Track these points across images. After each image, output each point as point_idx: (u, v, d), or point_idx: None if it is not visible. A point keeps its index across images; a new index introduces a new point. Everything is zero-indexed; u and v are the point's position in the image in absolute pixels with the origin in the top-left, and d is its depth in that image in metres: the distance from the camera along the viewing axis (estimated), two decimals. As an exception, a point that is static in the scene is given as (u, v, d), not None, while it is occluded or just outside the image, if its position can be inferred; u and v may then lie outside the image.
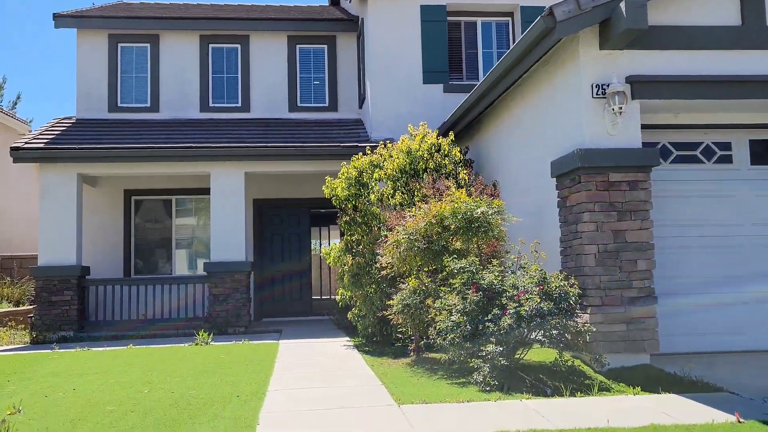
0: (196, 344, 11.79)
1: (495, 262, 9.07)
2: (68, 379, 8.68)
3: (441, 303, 8.25)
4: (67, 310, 14.17)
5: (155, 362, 9.84)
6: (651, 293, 8.26)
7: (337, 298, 11.97)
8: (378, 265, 9.98)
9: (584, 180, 8.35)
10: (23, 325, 15.71)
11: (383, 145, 12.20)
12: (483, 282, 8.06)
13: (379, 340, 11.42)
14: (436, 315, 8.21)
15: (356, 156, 11.97)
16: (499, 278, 8.12)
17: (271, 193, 16.80)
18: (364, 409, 6.58)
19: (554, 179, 9.16)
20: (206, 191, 14.98)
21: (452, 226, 9.08)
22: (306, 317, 16.58)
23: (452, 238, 9.42)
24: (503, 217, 9.19)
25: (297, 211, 17.00)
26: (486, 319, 7.72)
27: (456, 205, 9.18)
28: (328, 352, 10.72)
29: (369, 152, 12.20)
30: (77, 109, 16.69)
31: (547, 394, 7.18)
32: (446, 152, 11.75)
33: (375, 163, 11.91)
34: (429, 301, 8.70)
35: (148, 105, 16.83)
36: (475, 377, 7.51)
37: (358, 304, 11.41)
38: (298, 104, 17.22)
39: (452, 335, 7.84)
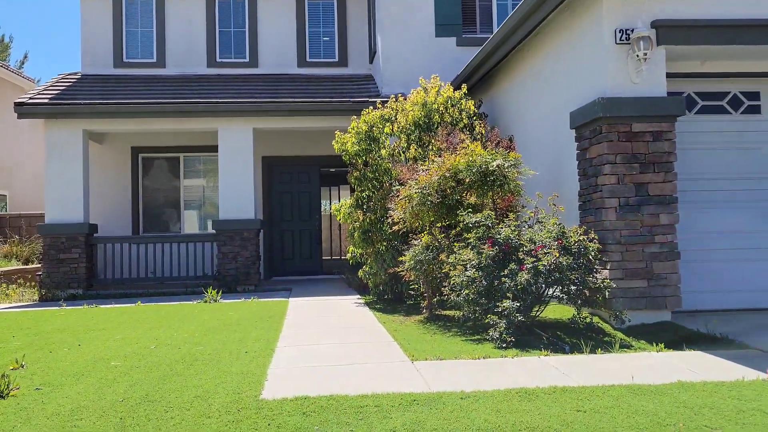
0: (205, 301, 11.57)
1: (511, 216, 8.73)
2: (74, 335, 8.47)
3: (455, 258, 7.94)
4: (75, 267, 13.98)
5: (162, 319, 9.62)
6: (674, 248, 7.92)
7: (348, 256, 11.70)
8: (390, 220, 9.66)
9: (605, 131, 7.96)
10: (32, 283, 15.56)
11: (395, 99, 11.80)
12: (499, 236, 7.74)
13: (391, 298, 11.17)
14: (450, 270, 7.91)
15: (366, 110, 11.59)
16: (516, 233, 7.80)
17: (281, 151, 16.46)
18: (376, 365, 6.32)
19: (573, 131, 8.77)
20: (215, 149, 14.66)
21: (467, 180, 8.74)
22: (316, 276, 16.36)
23: (466, 193, 9.08)
24: (519, 171, 8.83)
25: (307, 169, 16.67)
26: (502, 274, 7.42)
27: (471, 158, 8.82)
28: (339, 309, 10.47)
29: (380, 106, 11.81)
30: (82, 64, 16.32)
31: (565, 351, 6.90)
32: (461, 106, 11.35)
33: (386, 118, 11.54)
34: (443, 257, 8.40)
35: (154, 60, 16.43)
36: (491, 334, 7.23)
37: (368, 261, 11.14)
38: (308, 59, 16.79)
39: (467, 291, 7.55)
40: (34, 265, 16.57)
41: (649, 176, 7.98)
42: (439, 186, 8.95)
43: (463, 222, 8.84)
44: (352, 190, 11.67)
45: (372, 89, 15.29)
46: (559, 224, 7.77)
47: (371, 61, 16.73)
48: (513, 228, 7.88)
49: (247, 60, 16.66)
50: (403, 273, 9.48)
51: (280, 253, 16.49)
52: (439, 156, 9.71)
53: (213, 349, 7.20)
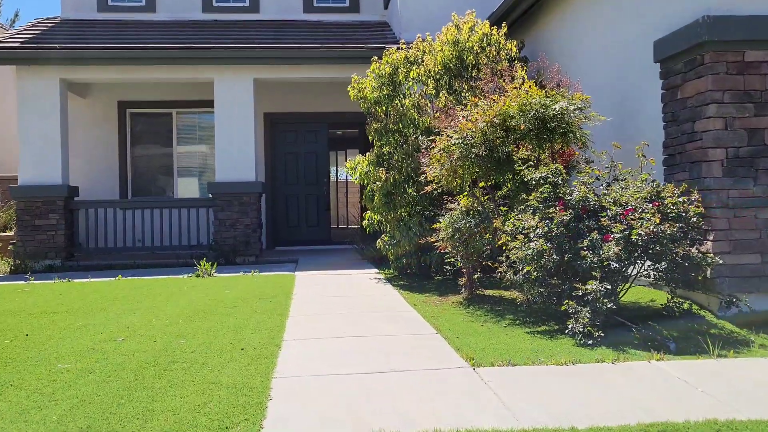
0: (197, 275, 9.67)
1: (583, 172, 6.79)
2: (26, 319, 6.58)
3: (512, 225, 6.02)
4: (53, 235, 12.06)
5: (143, 298, 7.73)
6: (795, 213, 6.01)
7: (364, 223, 9.78)
8: (421, 178, 7.70)
9: (710, 60, 5.99)
10: (7, 253, 13.64)
11: (420, 39, 9.79)
12: (571, 197, 5.81)
13: (416, 273, 9.28)
14: (508, 241, 5.98)
15: (389, 49, 9.58)
16: (591, 192, 5.87)
17: (285, 107, 14.45)
18: (424, 374, 4.43)
19: (658, 64, 6.79)
20: (212, 104, 12.63)
21: (521, 127, 6.78)
22: (325, 246, 14.45)
23: (518, 144, 7.13)
24: (587, 116, 6.86)
25: (314, 127, 14.67)
26: (580, 246, 5.50)
27: (525, 100, 6.86)
28: (356, 286, 8.57)
29: (403, 46, 9.79)
30: (62, 8, 14.25)
31: (670, 350, 5.02)
32: (500, 46, 9.35)
33: (411, 60, 9.54)
34: (497, 223, 6.48)
35: (143, 3, 14.35)
36: (571, 326, 5.32)
37: (389, 229, 9.23)
38: (315, 4, 14.71)
39: (530, 267, 5.64)
40: (10, 233, 14.64)
41: (765, 121, 6.03)
42: (484, 135, 6.98)
43: (517, 180, 6.95)
44: (371, 145, 9.71)
45: (388, 36, 13.25)
46: (653, 181, 5.83)
47: (386, 6, 14.67)
48: (588, 187, 5.95)
49: (247, 4, 14.58)
50: (434, 243, 7.56)
51: (285, 220, 14.56)
52: (484, 99, 7.70)
53: (199, 343, 5.32)
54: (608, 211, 5.71)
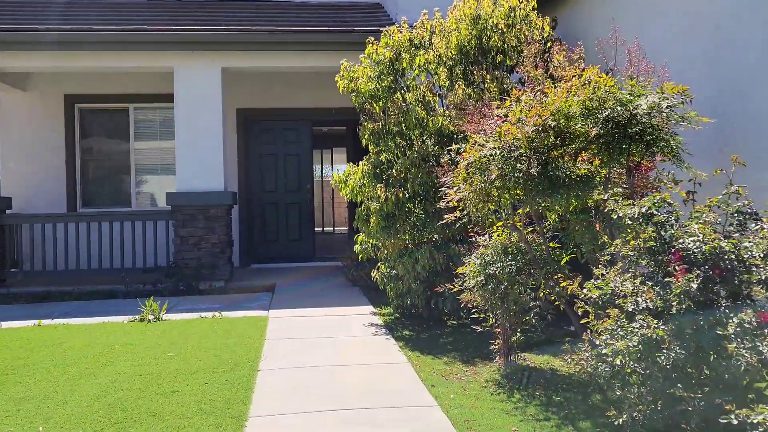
0: (141, 319, 7.35)
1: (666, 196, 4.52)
2: None
3: (598, 290, 3.76)
4: (-22, 257, 9.72)
5: (50, 368, 5.42)
6: None
7: (356, 248, 7.51)
8: (441, 204, 5.42)
9: None
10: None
11: (427, 17, 7.50)
12: (691, 247, 3.57)
13: (424, 316, 7.04)
14: (588, 314, 3.70)
15: (389, 29, 7.29)
16: (713, 236, 3.63)
17: (262, 101, 12.11)
18: None
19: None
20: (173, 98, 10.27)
21: (591, 132, 4.55)
22: (308, 263, 12.13)
23: (578, 156, 4.91)
24: (684, 115, 4.62)
25: (296, 125, 12.34)
26: (720, 335, 3.26)
27: (593, 94, 4.63)
28: (347, 342, 6.29)
29: (405, 26, 7.50)
30: (-3, -16, 11.81)
31: None
32: (532, 24, 7.10)
33: (416, 43, 7.27)
34: (573, 286, 4.21)
35: (93, -21, 11.96)
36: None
37: (390, 259, 6.98)
38: (297, -18, 12.39)
39: (631, 371, 3.40)
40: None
41: None
42: (531, 144, 4.73)
43: (576, 207, 4.75)
44: (364, 151, 7.45)
45: (382, 18, 10.97)
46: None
47: (380, -15, 12.37)
48: (707, 224, 3.71)
49: (217, -18, 12.22)
50: (462, 296, 5.31)
51: (262, 233, 12.23)
52: (501, 101, 5.42)
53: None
54: (756, 270, 3.48)
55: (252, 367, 5.36)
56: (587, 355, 3.63)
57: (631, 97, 4.59)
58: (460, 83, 6.75)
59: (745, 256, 3.54)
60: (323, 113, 12.24)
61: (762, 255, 3.50)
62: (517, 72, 6.54)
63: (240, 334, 6.57)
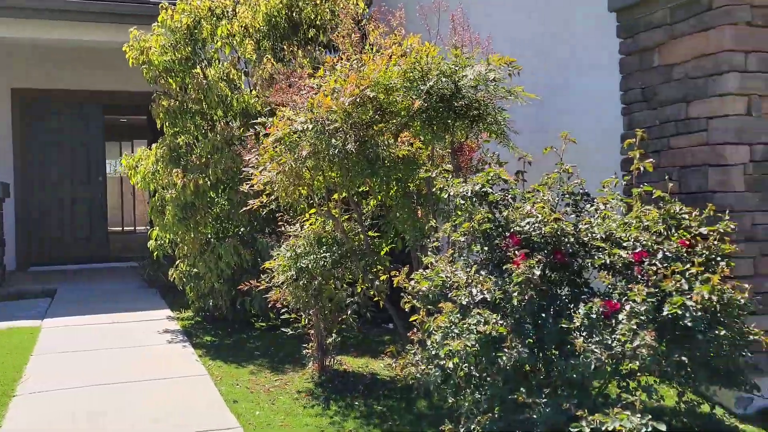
0: None
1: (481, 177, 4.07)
2: None
3: (427, 281, 3.19)
4: None
5: None
6: (839, 249, 3.80)
7: (150, 244, 6.53)
8: (245, 187, 4.64)
9: (726, 2, 3.59)
10: None
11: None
12: (529, 230, 3.12)
13: (229, 319, 6.21)
14: (430, 325, 3.09)
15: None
16: (550, 216, 3.21)
17: (44, 81, 10.52)
18: None
19: (614, 15, 4.34)
20: None
21: (415, 105, 4.01)
22: (101, 264, 10.73)
23: (401, 133, 4.37)
24: (511, 90, 4.21)
25: (85, 110, 10.86)
26: (564, 327, 2.82)
27: (416, 64, 4.10)
28: (137, 355, 5.31)
29: (207, -6, 6.60)
30: None
31: None
32: (345, -3, 6.50)
33: (218, 13, 6.41)
34: (386, 276, 3.60)
35: None
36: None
37: (190, 255, 6.08)
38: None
39: (463, 373, 2.88)
40: None
41: (803, 101, 3.76)
42: (348, 118, 4.12)
43: (399, 191, 4.22)
44: (160, 132, 6.48)
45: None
46: (668, 201, 3.28)
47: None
48: (545, 204, 3.27)
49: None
50: (270, 294, 4.58)
51: (43, 231, 10.64)
52: (312, 76, 4.76)
53: None
54: (597, 254, 3.09)
55: (6, 392, 4.26)
56: (417, 358, 3.05)
57: (456, 68, 4.11)
58: (269, 57, 6.01)
59: (585, 239, 3.15)
60: (119, 98, 10.90)
61: (603, 236, 3.12)
62: (335, 50, 5.92)
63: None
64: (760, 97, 3.63)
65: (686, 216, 3.20)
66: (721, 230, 3.17)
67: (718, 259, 3.08)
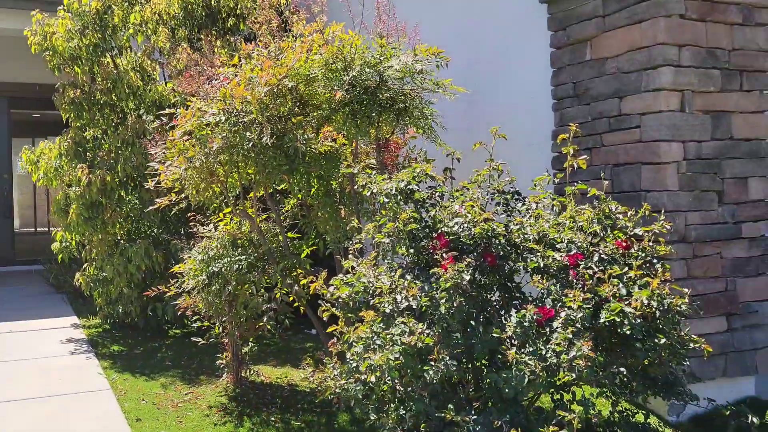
0: None
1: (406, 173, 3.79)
2: None
3: (347, 287, 2.90)
4: None
5: None
6: (769, 249, 3.72)
7: (54, 246, 6.03)
8: (151, 183, 4.25)
9: (661, -6, 3.45)
10: None
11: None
12: (458, 230, 2.87)
13: (140, 325, 5.77)
14: (350, 336, 2.79)
15: (93, -24, 5.89)
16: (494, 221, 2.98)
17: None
18: None
19: (545, 6, 4.15)
20: None
21: (337, 96, 3.72)
22: (4, 267, 10.01)
23: (322, 126, 4.08)
24: (439, 83, 3.97)
25: (-12, 103, 10.16)
26: (496, 338, 2.58)
27: (341, 51, 3.82)
28: (33, 370, 4.82)
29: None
30: None
31: None
32: (268, -15, 6.15)
33: (130, -1, 5.97)
34: (307, 280, 3.28)
35: None
36: None
37: (97, 258, 5.63)
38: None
39: (387, 388, 2.61)
40: None
41: (735, 98, 3.64)
42: (265, 110, 3.80)
43: (320, 189, 3.95)
44: (66, 125, 5.99)
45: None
46: (605, 199, 3.08)
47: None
48: (475, 202, 3.03)
49: None
50: (171, 295, 4.22)
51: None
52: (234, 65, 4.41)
53: None
54: (530, 256, 2.86)
55: None
56: (336, 372, 2.76)
57: (381, 58, 3.84)
58: (185, 46, 5.60)
59: (517, 240, 2.92)
60: (28, 90, 10.21)
61: (536, 238, 2.90)
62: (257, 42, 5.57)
63: None
64: (694, 93, 3.49)
65: (621, 216, 3.01)
66: (657, 231, 3.01)
67: (654, 261, 2.91)
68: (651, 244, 2.96)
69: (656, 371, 2.72)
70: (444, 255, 2.70)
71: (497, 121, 3.71)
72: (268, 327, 4.36)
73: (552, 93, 4.11)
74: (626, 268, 2.71)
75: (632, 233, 2.99)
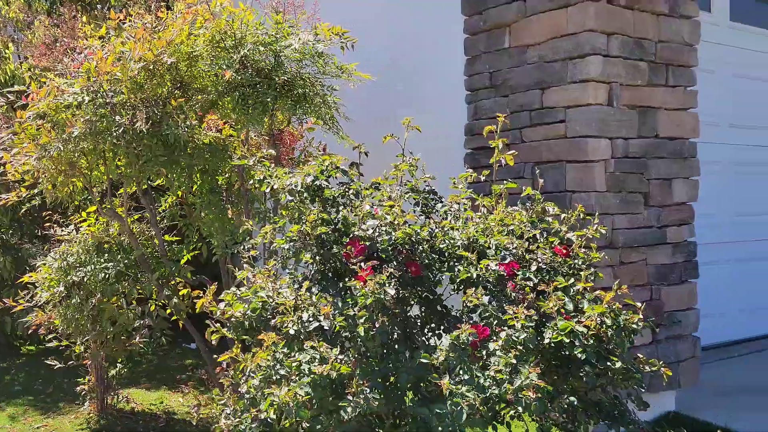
0: None
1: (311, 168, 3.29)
2: None
3: (243, 302, 2.37)
4: None
5: None
6: (692, 255, 3.52)
7: None
8: (-4, 176, 3.52)
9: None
10: None
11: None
12: (373, 235, 2.41)
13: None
14: (247, 365, 2.25)
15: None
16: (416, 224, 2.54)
17: None
18: None
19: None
20: None
21: (226, 76, 3.18)
22: None
23: (207, 113, 3.50)
24: (342, 67, 3.50)
25: None
26: (425, 363, 2.13)
27: (230, 26, 3.28)
28: None
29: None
30: None
31: None
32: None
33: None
34: (186, 292, 2.73)
35: None
36: None
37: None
38: None
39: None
40: None
41: (660, 93, 3.40)
42: (137, 90, 3.19)
43: (204, 185, 3.38)
44: None
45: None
46: (539, 199, 2.71)
47: None
48: (395, 202, 2.59)
49: None
50: (19, 310, 3.52)
51: None
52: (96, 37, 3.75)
53: None
54: (458, 266, 2.45)
55: None
56: (228, 410, 2.22)
57: (277, 37, 3.33)
58: (43, 19, 4.83)
59: (442, 246, 2.50)
60: None
61: (466, 244, 2.49)
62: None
63: None
64: (622, 87, 3.21)
65: (553, 219, 2.67)
66: (590, 236, 2.68)
67: (583, 267, 2.58)
68: (584, 250, 2.64)
69: (600, 396, 2.38)
70: (361, 265, 2.23)
71: (410, 112, 3.28)
72: (140, 345, 3.73)
73: (466, 83, 3.74)
74: (572, 279, 2.34)
75: (565, 238, 2.65)
